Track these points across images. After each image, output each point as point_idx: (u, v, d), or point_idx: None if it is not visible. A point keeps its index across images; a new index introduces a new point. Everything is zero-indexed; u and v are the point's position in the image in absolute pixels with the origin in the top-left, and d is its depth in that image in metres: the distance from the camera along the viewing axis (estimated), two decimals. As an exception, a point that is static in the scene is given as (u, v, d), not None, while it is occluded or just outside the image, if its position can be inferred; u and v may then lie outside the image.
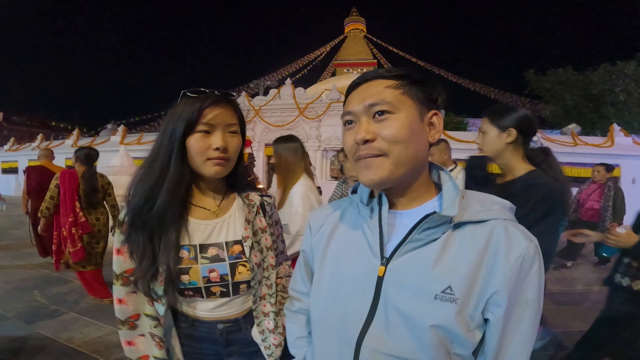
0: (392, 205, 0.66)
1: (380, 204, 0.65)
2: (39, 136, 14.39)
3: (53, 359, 2.34)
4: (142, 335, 0.89)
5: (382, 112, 0.60)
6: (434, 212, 0.59)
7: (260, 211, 0.99)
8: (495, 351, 0.58)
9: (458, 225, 0.60)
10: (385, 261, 0.62)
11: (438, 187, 0.68)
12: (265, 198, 1.02)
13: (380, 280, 0.62)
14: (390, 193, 0.66)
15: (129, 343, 0.89)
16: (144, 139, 11.77)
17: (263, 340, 0.94)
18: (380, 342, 0.60)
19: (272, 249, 0.99)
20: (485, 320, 0.59)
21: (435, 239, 0.60)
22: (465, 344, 0.57)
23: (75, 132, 13.07)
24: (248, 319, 0.95)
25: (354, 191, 0.73)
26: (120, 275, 0.88)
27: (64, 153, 12.19)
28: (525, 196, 1.22)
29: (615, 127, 9.33)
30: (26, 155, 12.88)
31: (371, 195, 0.69)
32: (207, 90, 0.86)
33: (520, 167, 1.38)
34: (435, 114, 0.64)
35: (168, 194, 0.84)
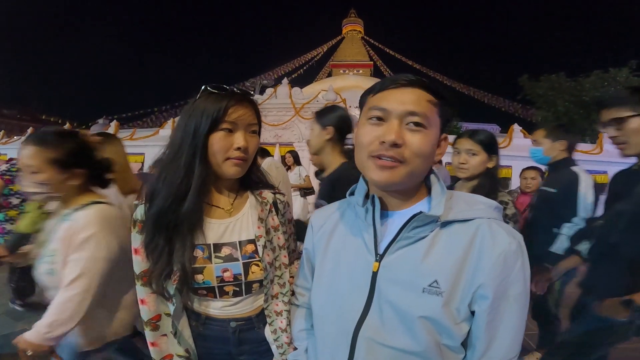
0: (386, 207, 0.70)
1: (373, 205, 0.68)
2: (29, 130, 14.15)
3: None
4: (165, 335, 0.90)
5: (417, 124, 0.62)
6: (421, 212, 0.63)
7: (273, 209, 0.97)
8: (485, 344, 0.61)
9: (445, 224, 0.64)
10: (379, 258, 0.66)
11: (429, 189, 0.71)
12: (278, 196, 1.00)
13: (374, 275, 0.66)
14: (385, 195, 0.69)
15: (153, 344, 0.89)
16: (137, 135, 11.65)
17: (275, 340, 0.92)
18: (376, 333, 0.64)
19: (285, 248, 0.97)
20: (472, 313, 0.62)
21: (424, 237, 0.64)
22: (453, 336, 0.61)
23: (66, 127, 12.88)
24: (261, 317, 0.94)
25: (351, 193, 0.76)
26: (139, 276, 0.87)
27: (54, 147, 11.92)
28: (334, 185, 1.41)
29: (604, 135, 9.49)
30: (15, 149, 12.64)
31: (366, 197, 0.72)
32: (227, 87, 0.85)
33: (335, 161, 1.55)
34: (445, 138, 0.68)
35: (197, 194, 0.83)
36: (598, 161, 8.72)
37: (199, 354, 0.92)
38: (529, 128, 9.60)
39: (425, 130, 0.62)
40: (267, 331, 0.93)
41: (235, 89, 0.86)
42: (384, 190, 0.68)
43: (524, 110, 21.04)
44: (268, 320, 0.93)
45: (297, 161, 4.68)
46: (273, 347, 0.93)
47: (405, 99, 0.62)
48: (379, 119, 0.64)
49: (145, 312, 0.89)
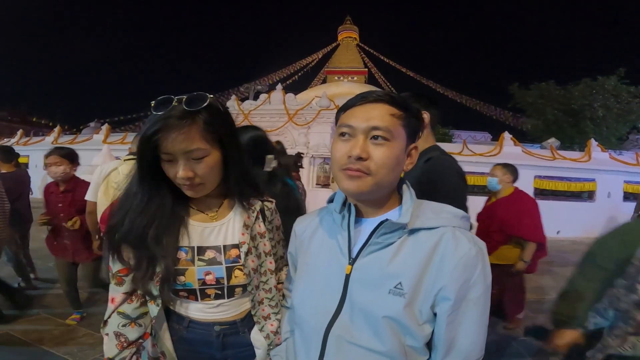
0: (361, 214, 0.75)
1: (349, 212, 0.74)
2: (19, 132, 13.98)
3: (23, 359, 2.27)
4: (107, 334, 0.85)
5: (379, 137, 0.66)
6: (387, 220, 0.68)
7: (260, 216, 0.97)
8: (447, 346, 0.65)
9: (412, 231, 0.69)
10: (352, 261, 0.71)
11: (401, 197, 0.75)
12: (266, 203, 1.00)
13: (347, 277, 0.71)
14: (360, 204, 0.75)
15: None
16: (129, 139, 11.57)
17: (269, 344, 0.92)
18: (345, 332, 0.68)
19: (271, 254, 0.98)
20: (435, 316, 0.65)
21: (392, 243, 0.69)
22: (416, 337, 0.65)
23: (57, 129, 12.74)
24: (246, 322, 0.94)
25: (330, 201, 0.81)
26: (115, 274, 0.86)
27: (43, 150, 11.82)
28: None
29: (593, 142, 9.67)
30: (4, 152, 12.45)
31: (344, 205, 0.77)
32: (171, 100, 0.77)
33: None
34: (415, 147, 0.73)
35: (168, 215, 0.83)
36: (586, 169, 8.88)
37: (181, 357, 0.91)
38: (519, 136, 9.74)
39: (389, 142, 0.67)
40: (260, 337, 0.93)
41: (174, 102, 0.76)
42: (357, 200, 0.73)
43: (515, 119, 21.34)
44: (258, 326, 0.93)
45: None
46: (258, 352, 0.93)
47: (369, 115, 0.67)
48: (348, 134, 0.69)
49: (108, 310, 0.87)
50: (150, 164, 0.79)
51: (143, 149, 0.77)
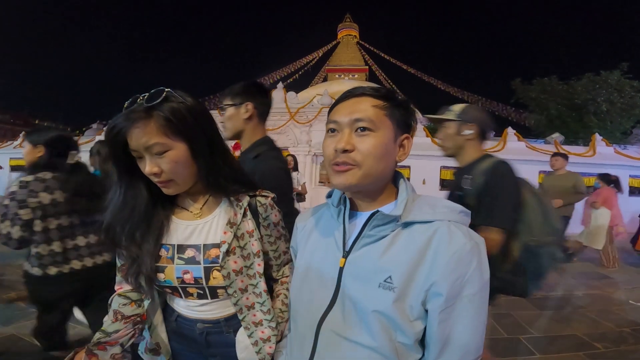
0: (357, 207, 0.76)
1: (345, 205, 0.74)
2: (22, 134, 14.03)
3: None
4: (108, 315, 0.90)
5: (364, 129, 0.67)
6: (378, 211, 0.69)
7: (248, 213, 0.91)
8: (440, 344, 0.63)
9: (407, 225, 0.68)
10: (346, 254, 0.71)
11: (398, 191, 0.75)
12: (258, 199, 0.92)
13: (341, 270, 0.70)
14: (355, 197, 0.75)
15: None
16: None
17: (258, 352, 0.88)
18: (337, 326, 0.68)
19: (259, 256, 0.91)
20: (427, 312, 0.64)
21: (386, 236, 0.68)
22: (406, 333, 0.63)
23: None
24: (231, 322, 0.92)
25: (329, 195, 0.80)
26: (120, 268, 0.91)
27: (47, 152, 11.85)
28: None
29: (597, 137, 9.61)
30: (8, 154, 12.52)
31: (341, 199, 0.77)
32: (139, 97, 0.78)
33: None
34: (406, 138, 0.73)
35: (149, 218, 0.86)
36: (591, 163, 8.82)
37: (174, 348, 0.95)
38: (522, 131, 9.68)
39: (374, 133, 0.67)
40: (247, 343, 0.89)
41: (138, 101, 0.77)
42: (351, 193, 0.74)
43: (517, 114, 21.23)
44: (247, 332, 0.89)
45: (295, 167, 4.77)
46: (241, 356, 0.90)
47: (352, 109, 0.69)
48: (334, 130, 0.70)
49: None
50: (123, 161, 0.81)
51: (109, 146, 0.79)
